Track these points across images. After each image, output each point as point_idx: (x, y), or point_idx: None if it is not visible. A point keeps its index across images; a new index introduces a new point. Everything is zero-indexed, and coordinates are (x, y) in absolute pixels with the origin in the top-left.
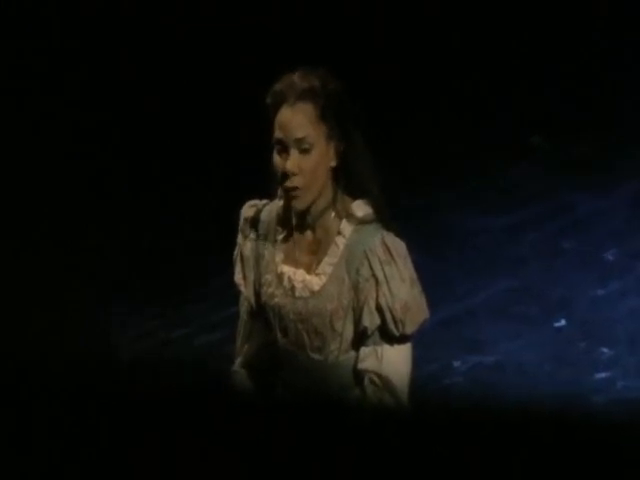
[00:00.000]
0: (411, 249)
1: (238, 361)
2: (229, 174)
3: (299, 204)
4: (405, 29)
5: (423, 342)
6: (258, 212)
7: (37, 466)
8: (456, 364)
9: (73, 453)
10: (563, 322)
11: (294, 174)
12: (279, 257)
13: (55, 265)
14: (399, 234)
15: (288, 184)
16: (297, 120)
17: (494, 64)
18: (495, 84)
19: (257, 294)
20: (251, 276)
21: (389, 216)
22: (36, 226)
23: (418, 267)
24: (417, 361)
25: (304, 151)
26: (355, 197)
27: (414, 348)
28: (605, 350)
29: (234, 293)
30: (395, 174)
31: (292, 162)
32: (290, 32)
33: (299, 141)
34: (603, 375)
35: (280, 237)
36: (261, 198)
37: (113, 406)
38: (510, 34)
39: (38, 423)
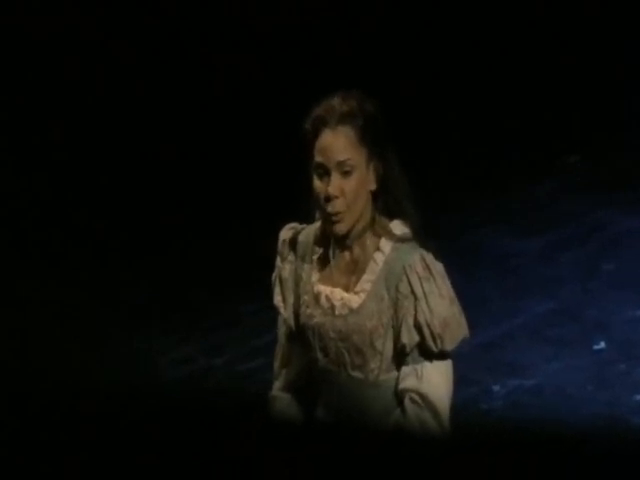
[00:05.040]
0: (448, 271)
1: (276, 385)
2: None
3: (341, 228)
4: (430, 48)
5: (461, 365)
6: (296, 234)
7: None
8: (495, 388)
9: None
10: (602, 344)
11: (336, 197)
12: (315, 277)
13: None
14: (437, 255)
15: (330, 209)
16: (339, 143)
17: (520, 80)
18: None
19: (296, 316)
20: (290, 298)
21: (425, 237)
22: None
23: (455, 289)
24: (455, 385)
25: (345, 174)
26: (392, 218)
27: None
28: None
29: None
30: (430, 193)
31: (334, 185)
32: (287, 39)
33: (341, 164)
34: None
35: (316, 257)
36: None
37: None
38: (539, 50)
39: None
